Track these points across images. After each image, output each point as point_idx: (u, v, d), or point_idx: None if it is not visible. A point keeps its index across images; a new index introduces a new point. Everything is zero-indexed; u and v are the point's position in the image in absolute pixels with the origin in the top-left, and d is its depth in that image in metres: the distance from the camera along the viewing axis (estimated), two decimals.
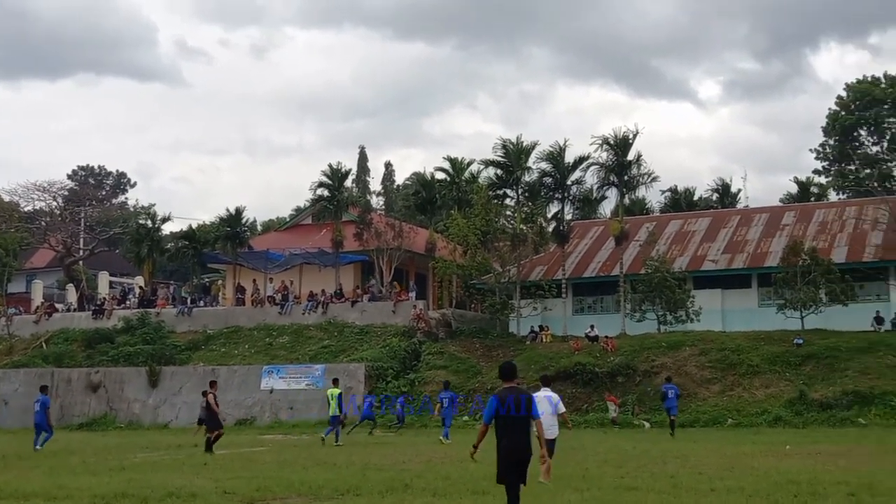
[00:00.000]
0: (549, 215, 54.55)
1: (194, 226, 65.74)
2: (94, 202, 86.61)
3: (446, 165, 60.17)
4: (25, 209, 77.47)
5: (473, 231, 51.02)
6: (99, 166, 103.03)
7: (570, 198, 54.06)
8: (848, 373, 39.43)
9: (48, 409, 29.21)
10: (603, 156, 51.05)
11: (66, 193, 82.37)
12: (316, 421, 42.51)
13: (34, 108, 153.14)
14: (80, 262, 71.94)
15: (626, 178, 51.26)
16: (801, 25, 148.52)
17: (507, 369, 11.82)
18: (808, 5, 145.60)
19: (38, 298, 62.60)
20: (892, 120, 76.41)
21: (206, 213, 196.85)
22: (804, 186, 71.04)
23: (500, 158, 53.73)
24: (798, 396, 38.43)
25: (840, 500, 13.73)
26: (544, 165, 53.07)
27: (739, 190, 72.21)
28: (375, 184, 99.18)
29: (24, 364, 51.23)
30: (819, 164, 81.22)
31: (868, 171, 71.89)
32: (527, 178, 53.57)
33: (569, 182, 52.97)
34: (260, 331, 52.22)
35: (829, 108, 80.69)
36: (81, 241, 76.14)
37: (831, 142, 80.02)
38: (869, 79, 79.42)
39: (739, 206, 66.70)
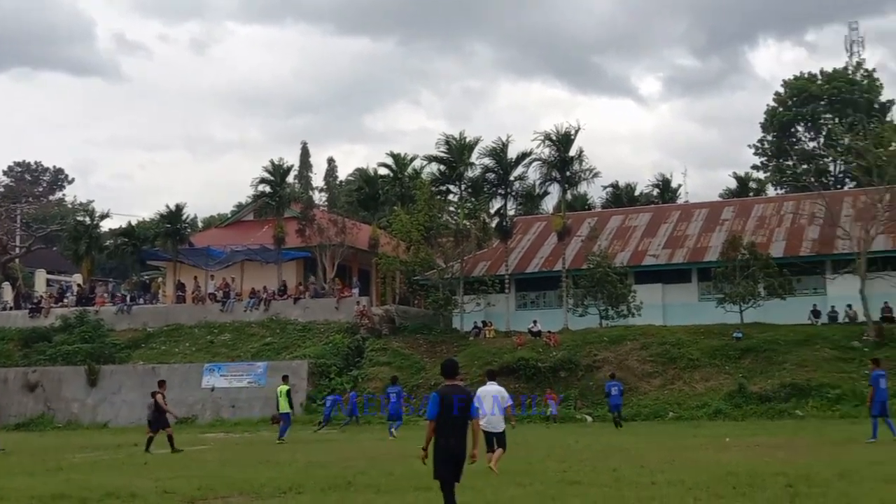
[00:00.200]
0: (492, 211, 54.73)
1: (134, 223, 65.02)
2: (30, 199, 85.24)
3: (389, 161, 60.01)
4: None
5: (416, 227, 50.95)
6: (35, 162, 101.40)
7: (513, 193, 54.26)
8: (786, 366, 40.04)
9: None
10: (545, 152, 51.35)
11: (2, 190, 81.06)
12: (258, 419, 42.34)
13: None
14: (17, 260, 70.58)
15: (568, 173, 51.52)
16: (740, 23, 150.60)
17: (448, 367, 11.90)
18: (746, 3, 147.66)
19: None
20: (828, 116, 77.72)
21: (146, 210, 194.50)
22: (743, 182, 71.94)
23: (443, 154, 53.77)
24: (737, 389, 38.95)
25: (778, 492, 13.90)
26: (487, 161, 53.26)
27: (680, 185, 73.21)
28: (318, 180, 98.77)
29: None
30: (757, 160, 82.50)
31: (805, 166, 73.04)
32: (470, 173, 53.67)
33: (511, 178, 53.16)
34: (201, 328, 51.75)
35: (767, 105, 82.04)
36: (18, 238, 74.75)
37: (769, 137, 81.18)
38: (806, 75, 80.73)
39: (680, 201, 67.37)
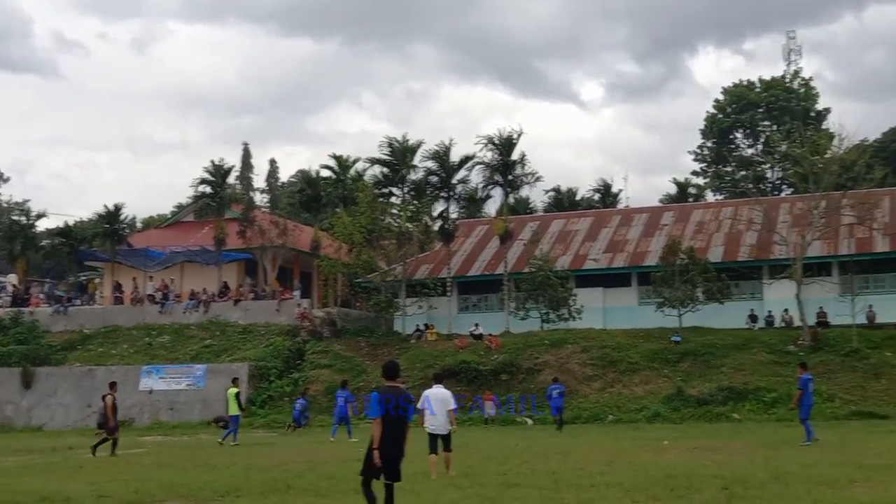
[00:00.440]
0: (435, 214, 54.71)
1: (71, 223, 64.05)
2: None
3: (332, 163, 59.84)
4: None
5: (359, 229, 50.82)
6: None
7: (456, 197, 54.33)
8: (723, 369, 40.57)
9: None
10: (488, 155, 51.58)
11: None
12: (198, 422, 41.95)
13: None
14: None
15: (510, 177, 51.76)
16: (679, 30, 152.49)
17: (389, 368, 11.99)
18: (685, 10, 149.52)
19: None
20: (766, 123, 79.09)
21: (84, 210, 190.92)
22: (683, 187, 72.75)
23: (385, 157, 53.69)
24: (675, 393, 39.39)
25: (715, 494, 14.06)
26: (430, 164, 53.33)
27: (620, 190, 73.72)
28: (259, 181, 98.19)
29: None
30: (697, 166, 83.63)
31: (743, 172, 74.11)
32: (412, 176, 53.68)
33: (454, 181, 53.25)
34: (139, 330, 51.12)
35: (707, 111, 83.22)
36: None
37: (709, 144, 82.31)
38: (744, 83, 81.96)
39: (620, 206, 67.88)
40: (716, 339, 43.01)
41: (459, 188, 53.87)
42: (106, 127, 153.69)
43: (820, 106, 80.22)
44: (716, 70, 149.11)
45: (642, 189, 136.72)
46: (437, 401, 17.46)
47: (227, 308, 51.73)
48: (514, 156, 51.29)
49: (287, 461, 21.99)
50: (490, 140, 51.01)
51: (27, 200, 69.84)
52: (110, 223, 56.30)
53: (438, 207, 54.54)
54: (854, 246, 46.82)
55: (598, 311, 48.77)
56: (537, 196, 71.91)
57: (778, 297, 45.61)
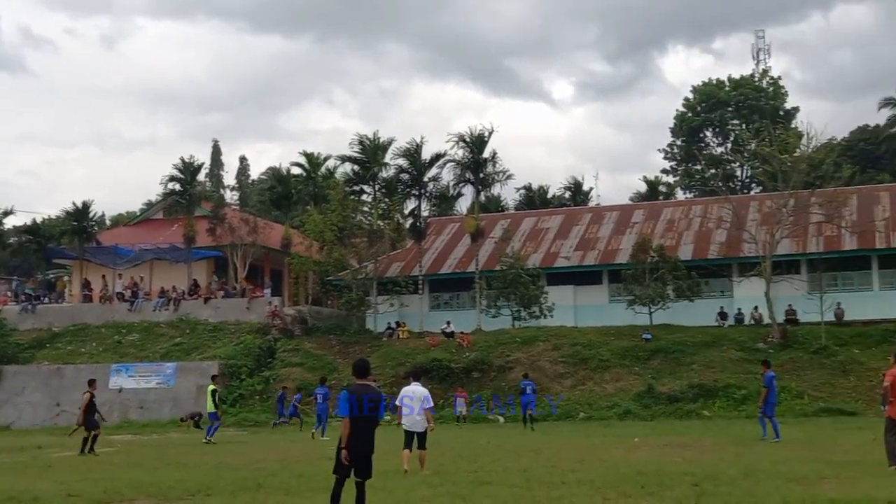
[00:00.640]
0: (406, 212, 54.70)
1: (39, 220, 63.49)
2: None
3: (302, 160, 59.71)
4: None
5: (330, 227, 50.68)
6: None
7: (427, 194, 54.32)
8: (693, 366, 40.80)
9: None
10: (459, 153, 51.58)
11: None
12: (168, 420, 41.70)
13: None
14: None
15: (481, 175, 51.80)
16: (649, 29, 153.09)
17: (359, 367, 12.01)
18: (655, 10, 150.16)
19: None
20: (735, 122, 79.56)
21: (53, 207, 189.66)
22: (653, 185, 73.02)
23: (357, 154, 53.57)
24: (646, 390, 39.59)
25: (685, 490, 14.12)
26: (401, 162, 53.26)
27: (591, 188, 73.99)
28: (230, 178, 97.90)
29: None
30: (667, 164, 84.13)
31: (713, 170, 74.50)
32: (384, 174, 53.62)
33: (426, 179, 53.23)
34: (108, 328, 50.77)
35: (677, 110, 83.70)
36: None
37: (678, 142, 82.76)
38: (714, 82, 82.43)
39: (591, 204, 68.11)
40: (686, 337, 43.25)
41: (431, 186, 53.92)
42: (75, 123, 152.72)
43: (788, 105, 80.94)
44: (686, 69, 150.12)
45: (613, 187, 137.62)
46: (414, 398, 17.48)
47: (198, 306, 51.46)
48: (486, 154, 51.39)
49: (259, 459, 21.90)
50: (461, 138, 51.03)
51: None
52: (79, 220, 55.81)
53: (410, 205, 54.61)
54: (822, 244, 47.18)
55: (569, 308, 48.88)
56: (509, 194, 72.39)
57: (747, 295, 45.88)
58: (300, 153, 63.51)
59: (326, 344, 47.87)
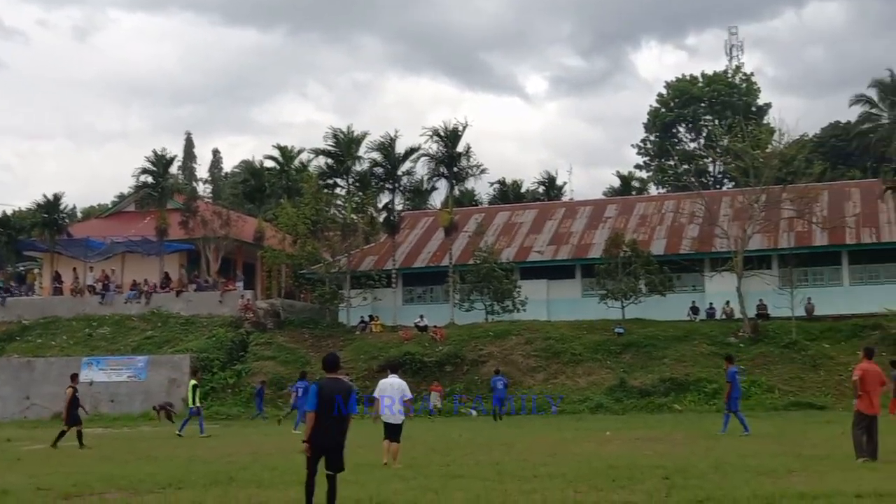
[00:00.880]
0: (380, 205, 54.69)
1: (10, 212, 62.96)
2: None
3: (276, 154, 59.53)
4: None
5: (303, 220, 50.55)
6: None
7: (401, 188, 54.35)
8: (665, 361, 41.02)
9: None
10: (433, 147, 51.61)
11: None
12: (139, 413, 41.52)
13: None
14: None
15: (455, 169, 51.84)
16: (623, 24, 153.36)
17: (329, 361, 12.15)
18: (629, 6, 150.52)
19: None
20: (708, 118, 79.91)
21: (25, 200, 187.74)
22: (626, 180, 73.31)
23: (330, 148, 53.46)
24: (618, 384, 39.78)
25: (656, 484, 14.19)
26: (375, 155, 53.24)
27: (565, 183, 74.04)
28: (203, 171, 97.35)
29: None
30: (640, 159, 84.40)
31: (686, 166, 74.81)
32: (358, 167, 53.60)
33: (399, 172, 53.23)
34: (79, 321, 50.42)
35: (650, 105, 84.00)
36: None
37: (652, 137, 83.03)
38: (687, 77, 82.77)
39: (565, 198, 68.18)
40: (658, 331, 43.47)
41: (405, 180, 53.95)
42: (47, 116, 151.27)
43: (761, 101, 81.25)
44: (659, 64, 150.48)
45: (586, 182, 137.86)
46: (393, 390, 17.56)
47: (169, 299, 51.23)
48: (460, 148, 51.40)
49: (231, 453, 21.84)
50: (435, 132, 51.06)
51: None
52: (49, 213, 55.42)
53: (383, 199, 54.70)
54: (793, 239, 47.51)
55: (542, 302, 49.03)
56: (482, 188, 72.12)
57: (719, 290, 46.16)
58: (274, 146, 63.32)
59: (299, 337, 47.79)
